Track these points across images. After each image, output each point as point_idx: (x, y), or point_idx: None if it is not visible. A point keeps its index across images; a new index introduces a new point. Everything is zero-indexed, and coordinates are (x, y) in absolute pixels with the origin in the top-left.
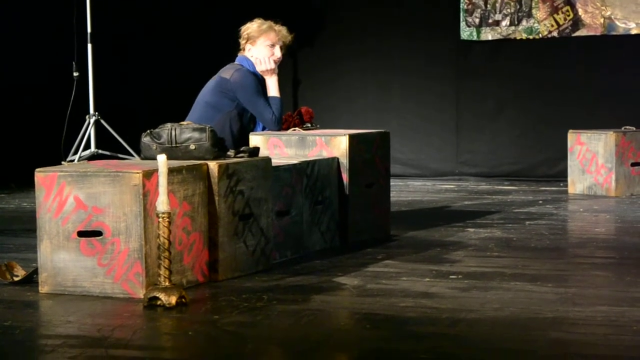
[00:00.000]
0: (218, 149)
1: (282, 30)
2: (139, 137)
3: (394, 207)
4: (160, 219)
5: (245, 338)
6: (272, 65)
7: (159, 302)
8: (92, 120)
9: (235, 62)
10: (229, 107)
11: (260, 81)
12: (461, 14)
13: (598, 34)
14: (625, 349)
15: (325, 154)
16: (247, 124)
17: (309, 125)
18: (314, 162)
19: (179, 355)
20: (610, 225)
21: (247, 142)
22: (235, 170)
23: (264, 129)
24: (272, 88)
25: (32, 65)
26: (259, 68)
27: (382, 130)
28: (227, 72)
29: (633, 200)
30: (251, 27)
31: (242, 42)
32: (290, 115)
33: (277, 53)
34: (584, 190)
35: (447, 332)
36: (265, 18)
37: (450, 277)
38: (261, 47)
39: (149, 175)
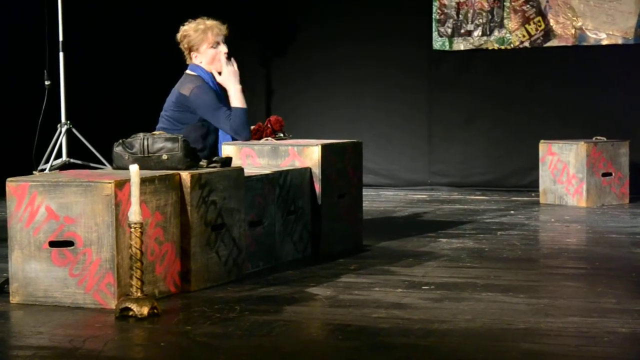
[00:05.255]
0: (190, 159)
1: (215, 25)
2: (111, 147)
3: (366, 217)
4: (133, 229)
5: (217, 349)
6: (233, 65)
7: (130, 313)
8: (63, 129)
9: (190, 72)
10: (192, 119)
11: (218, 93)
12: (433, 24)
13: (569, 44)
14: None
15: (298, 164)
16: (212, 129)
17: (282, 135)
18: (286, 172)
19: None
20: (581, 236)
21: (215, 148)
22: (207, 180)
23: (233, 138)
24: (234, 98)
25: (3, 73)
26: (221, 78)
27: (355, 140)
28: (185, 88)
29: (604, 211)
30: (189, 36)
31: (185, 52)
32: (261, 126)
33: (223, 49)
34: (555, 201)
35: (419, 344)
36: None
37: (423, 287)
38: (206, 52)
39: (121, 185)
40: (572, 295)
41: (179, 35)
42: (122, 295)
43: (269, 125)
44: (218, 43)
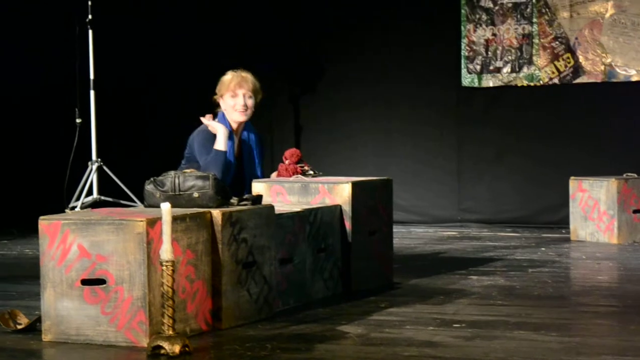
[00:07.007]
0: (221, 196)
1: (240, 77)
2: (142, 184)
3: (397, 254)
4: (164, 267)
5: None
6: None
7: (162, 351)
8: (94, 167)
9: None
10: (193, 158)
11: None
12: (462, 61)
13: (599, 81)
14: None
15: (328, 201)
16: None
17: (312, 172)
18: (316, 209)
19: None
20: (613, 273)
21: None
22: (238, 218)
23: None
24: (219, 141)
25: (34, 111)
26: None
27: (385, 177)
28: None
29: (635, 248)
30: (219, 83)
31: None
32: (283, 167)
33: (240, 101)
34: (586, 237)
35: None
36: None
37: (454, 325)
38: (226, 100)
39: (153, 223)
40: (604, 334)
41: None
42: (154, 334)
43: (285, 160)
44: (236, 95)
